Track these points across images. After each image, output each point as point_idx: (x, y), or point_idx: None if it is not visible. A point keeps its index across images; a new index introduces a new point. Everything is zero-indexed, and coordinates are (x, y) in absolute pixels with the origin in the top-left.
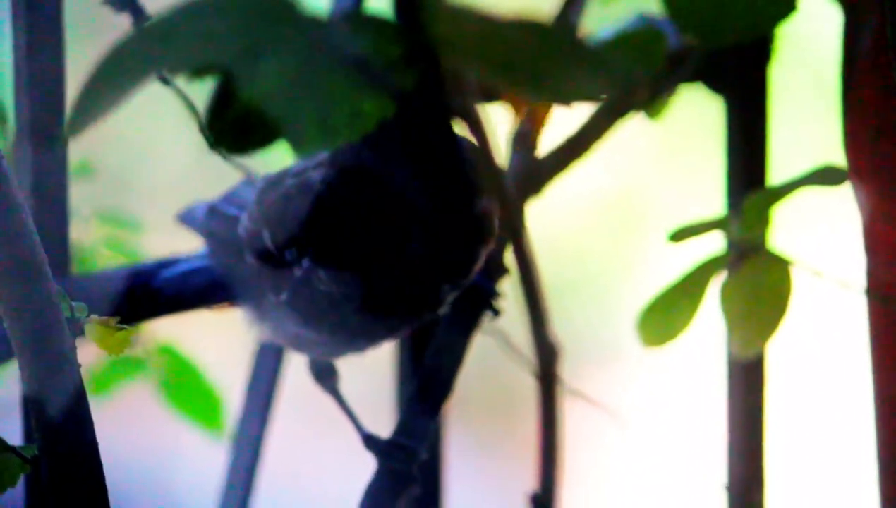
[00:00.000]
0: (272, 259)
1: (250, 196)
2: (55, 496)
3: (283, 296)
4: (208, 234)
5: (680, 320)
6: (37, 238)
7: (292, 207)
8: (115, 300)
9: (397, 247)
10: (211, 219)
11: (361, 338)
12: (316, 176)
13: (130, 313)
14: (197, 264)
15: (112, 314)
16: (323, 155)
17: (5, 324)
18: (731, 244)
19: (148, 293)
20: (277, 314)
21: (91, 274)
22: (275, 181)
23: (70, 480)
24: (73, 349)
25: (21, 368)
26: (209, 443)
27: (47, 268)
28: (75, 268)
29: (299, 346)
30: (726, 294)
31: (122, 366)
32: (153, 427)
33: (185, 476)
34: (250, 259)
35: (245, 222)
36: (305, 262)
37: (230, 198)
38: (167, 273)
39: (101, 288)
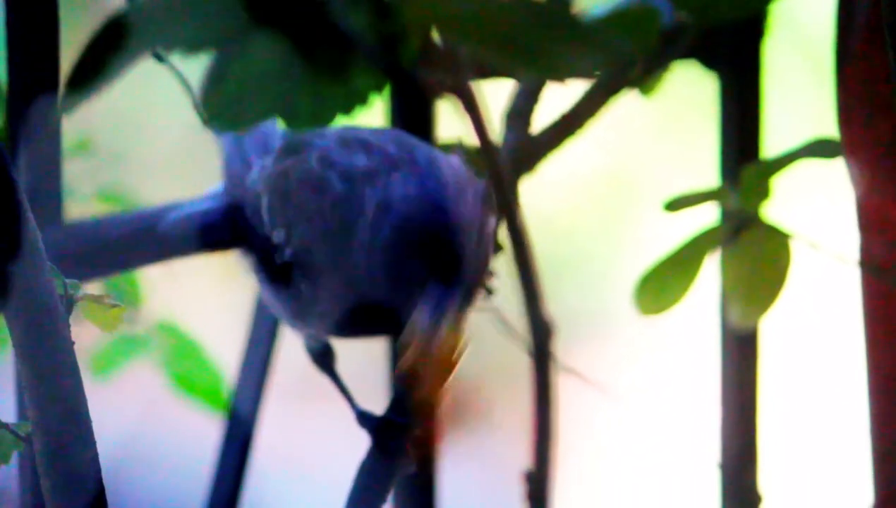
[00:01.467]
0: (262, 229)
1: (273, 140)
2: (47, 472)
3: (261, 276)
4: (226, 160)
5: (677, 289)
6: (30, 216)
7: (299, 196)
8: (120, 245)
9: (376, 287)
10: (233, 147)
11: (320, 332)
12: (337, 185)
13: (136, 258)
14: (203, 206)
15: (117, 258)
16: (353, 161)
17: None
18: (727, 216)
19: (153, 237)
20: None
21: (96, 218)
22: (296, 147)
23: (63, 457)
24: (67, 327)
25: (15, 347)
26: (204, 418)
27: (41, 246)
28: None
29: (275, 311)
30: (725, 265)
31: (124, 346)
32: (146, 401)
33: (179, 451)
34: (249, 213)
35: (254, 176)
36: (289, 252)
37: (258, 134)
38: (173, 216)
39: (105, 233)
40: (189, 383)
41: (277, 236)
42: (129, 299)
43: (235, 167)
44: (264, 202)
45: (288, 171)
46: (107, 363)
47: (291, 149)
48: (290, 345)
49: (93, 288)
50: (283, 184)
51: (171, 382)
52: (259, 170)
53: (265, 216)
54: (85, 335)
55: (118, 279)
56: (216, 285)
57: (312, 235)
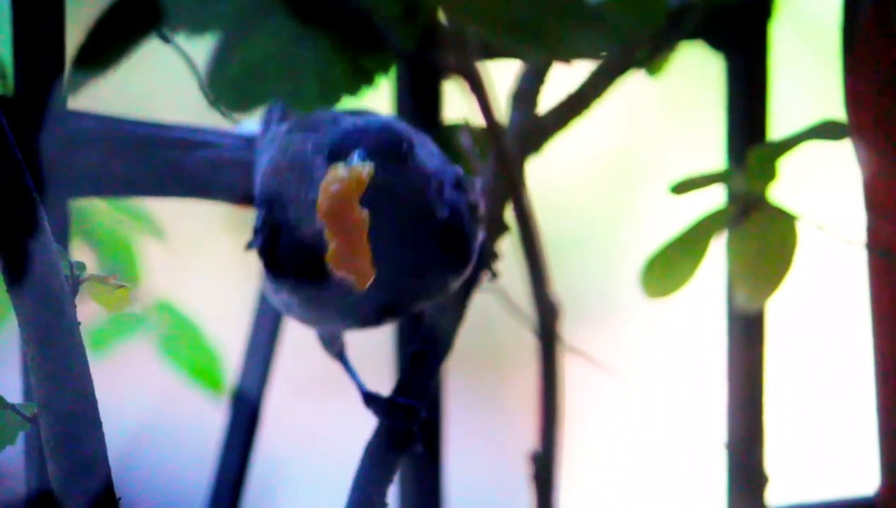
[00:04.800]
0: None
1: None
2: (54, 454)
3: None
4: (264, 117)
5: (683, 272)
6: (36, 198)
7: (285, 178)
8: (143, 165)
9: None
10: (268, 110)
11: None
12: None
13: (153, 185)
14: (233, 155)
15: (134, 177)
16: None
17: (5, 284)
18: (734, 198)
19: (177, 170)
20: None
21: (126, 118)
22: (306, 130)
23: (70, 438)
24: (74, 308)
25: (22, 329)
26: (210, 401)
27: (47, 228)
28: (77, 233)
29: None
30: (732, 247)
31: (122, 323)
32: (153, 384)
33: (185, 433)
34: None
35: (266, 141)
36: (258, 241)
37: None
38: (202, 155)
39: (126, 136)
40: (185, 362)
41: (257, 217)
42: (128, 277)
43: (263, 128)
44: (258, 174)
45: (288, 161)
46: (102, 340)
47: (302, 128)
48: (296, 327)
49: (92, 266)
50: (280, 172)
51: (166, 361)
52: (270, 138)
53: (255, 190)
54: (80, 311)
55: (118, 257)
56: (221, 265)
57: (291, 220)
